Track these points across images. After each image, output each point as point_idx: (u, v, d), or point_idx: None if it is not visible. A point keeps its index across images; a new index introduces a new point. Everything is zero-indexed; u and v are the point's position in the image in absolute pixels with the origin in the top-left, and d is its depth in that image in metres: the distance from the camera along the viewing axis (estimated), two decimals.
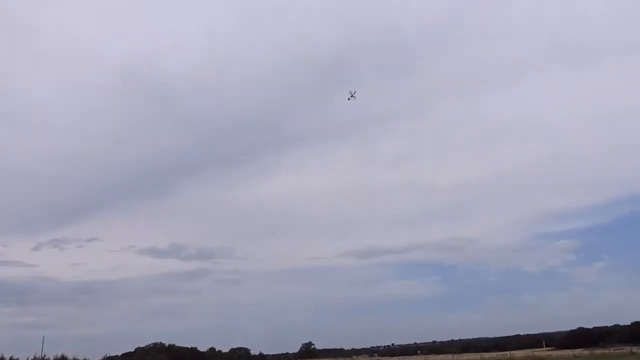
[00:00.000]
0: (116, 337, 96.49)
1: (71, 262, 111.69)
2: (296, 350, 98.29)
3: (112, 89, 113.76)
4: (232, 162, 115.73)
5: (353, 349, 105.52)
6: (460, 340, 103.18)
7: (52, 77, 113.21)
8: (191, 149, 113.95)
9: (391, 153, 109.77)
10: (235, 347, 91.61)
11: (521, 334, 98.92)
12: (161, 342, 76.36)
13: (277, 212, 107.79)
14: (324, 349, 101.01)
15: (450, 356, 78.71)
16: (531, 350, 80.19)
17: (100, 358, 57.26)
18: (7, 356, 48.63)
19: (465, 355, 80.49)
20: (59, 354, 48.51)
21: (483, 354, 76.82)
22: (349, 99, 52.38)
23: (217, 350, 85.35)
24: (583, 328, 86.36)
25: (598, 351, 65.07)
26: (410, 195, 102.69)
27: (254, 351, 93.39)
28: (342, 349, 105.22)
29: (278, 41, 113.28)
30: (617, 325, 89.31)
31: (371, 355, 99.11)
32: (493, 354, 75.32)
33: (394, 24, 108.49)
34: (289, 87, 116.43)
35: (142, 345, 76.31)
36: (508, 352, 74.35)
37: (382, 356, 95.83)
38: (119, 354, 72.86)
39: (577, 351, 67.02)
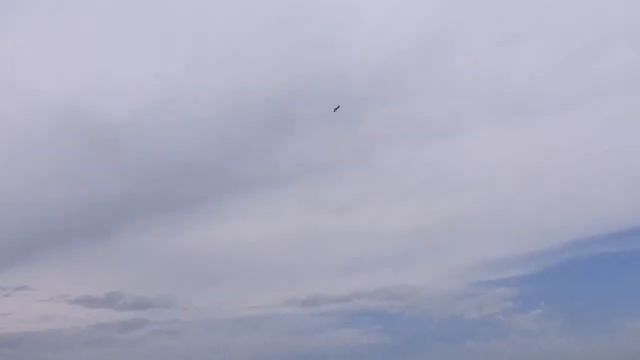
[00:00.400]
0: None
1: None
2: None
3: (50, 128, 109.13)
4: (175, 207, 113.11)
5: None
6: None
7: None
8: (134, 192, 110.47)
9: (337, 201, 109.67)
10: None
11: None
12: None
13: (221, 259, 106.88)
14: None
15: None
16: None
17: None
18: None
19: None
20: None
21: None
22: (334, 110, 61.85)
23: None
24: None
25: None
26: (355, 242, 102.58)
27: None
28: None
29: (228, 86, 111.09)
30: None
31: None
32: None
33: (341, 74, 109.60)
34: (236, 132, 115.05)
35: None
36: None
37: None
38: None
39: None
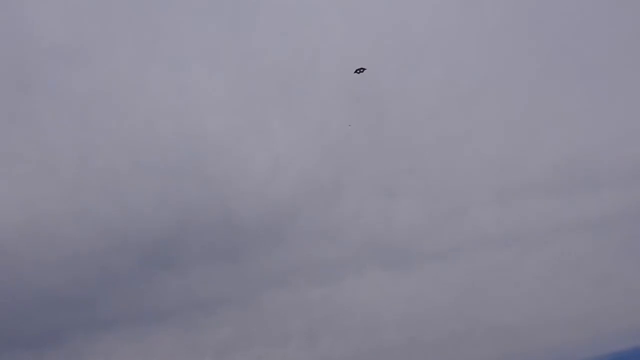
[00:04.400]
0: None
1: None
2: None
3: None
4: (31, 345, 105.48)
5: None
6: None
7: None
8: None
9: (215, 340, 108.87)
10: None
11: None
12: None
13: None
14: None
15: None
16: None
17: None
18: None
19: None
20: None
21: None
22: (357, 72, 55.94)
23: None
24: None
25: None
26: None
27: None
28: None
29: (101, 217, 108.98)
30: None
31: None
32: None
33: (229, 211, 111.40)
34: (108, 266, 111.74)
35: None
36: None
37: None
38: None
39: None
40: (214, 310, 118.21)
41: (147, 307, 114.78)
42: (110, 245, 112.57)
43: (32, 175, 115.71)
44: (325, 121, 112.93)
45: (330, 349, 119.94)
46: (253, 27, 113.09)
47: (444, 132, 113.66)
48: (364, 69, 56.63)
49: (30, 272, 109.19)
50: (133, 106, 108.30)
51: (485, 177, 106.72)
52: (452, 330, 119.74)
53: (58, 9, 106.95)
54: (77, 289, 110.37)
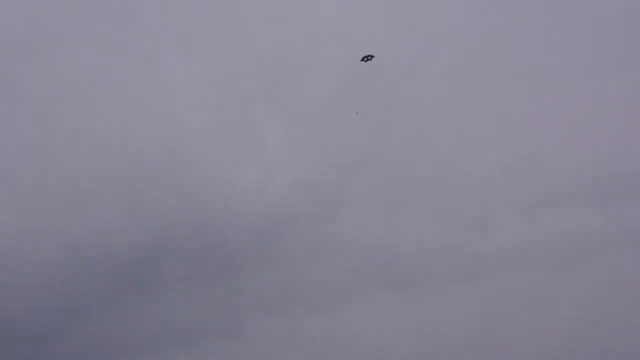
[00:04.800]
0: None
1: None
2: None
3: None
4: None
5: None
6: None
7: None
8: None
9: None
10: None
11: None
12: None
13: None
14: None
15: None
16: None
17: None
18: None
19: None
20: None
21: None
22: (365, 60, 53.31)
23: None
24: None
25: None
26: None
27: None
28: None
29: (63, 235, 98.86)
30: None
31: None
32: None
33: (212, 226, 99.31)
34: (70, 294, 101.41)
35: None
36: None
37: None
38: None
39: None
40: (196, 342, 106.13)
41: (117, 340, 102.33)
42: (74, 268, 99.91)
43: None
44: (323, 120, 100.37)
45: None
46: (240, 10, 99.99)
47: (462, 133, 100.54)
48: (372, 57, 53.21)
49: None
50: (101, 105, 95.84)
51: (511, 184, 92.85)
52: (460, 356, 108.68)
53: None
54: (32, 322, 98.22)
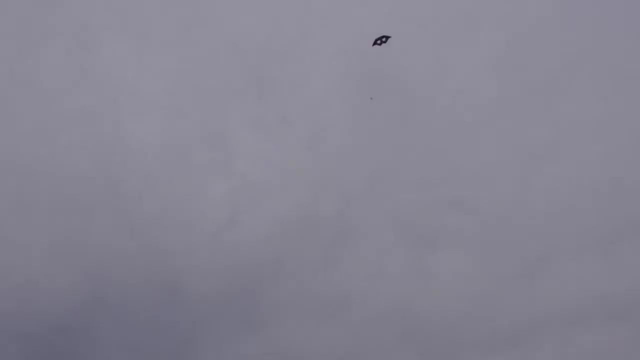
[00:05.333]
0: None
1: None
2: None
3: None
4: None
5: None
6: None
7: None
8: None
9: None
10: None
11: None
12: None
13: None
14: None
15: None
16: None
17: None
18: None
19: None
20: None
21: None
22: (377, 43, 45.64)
23: None
24: None
25: None
26: None
27: None
28: None
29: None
30: None
31: None
32: None
33: (170, 273, 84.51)
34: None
35: None
36: None
37: None
38: None
39: None
40: None
41: None
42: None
43: None
44: (321, 126, 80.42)
45: None
46: None
47: (509, 142, 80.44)
48: (386, 39, 44.77)
49: None
50: (21, 107, 75.50)
51: (577, 214, 72.78)
52: None
53: None
54: None
